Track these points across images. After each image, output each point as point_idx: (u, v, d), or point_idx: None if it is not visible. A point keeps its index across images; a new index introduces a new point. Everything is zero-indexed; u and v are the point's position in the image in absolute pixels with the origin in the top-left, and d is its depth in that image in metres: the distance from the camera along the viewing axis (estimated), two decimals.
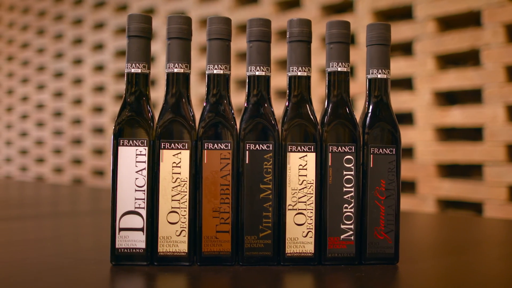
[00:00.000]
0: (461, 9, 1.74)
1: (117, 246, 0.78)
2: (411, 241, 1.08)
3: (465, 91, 1.79)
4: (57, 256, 0.89)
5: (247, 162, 0.78)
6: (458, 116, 1.76)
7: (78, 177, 3.16)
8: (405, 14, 1.92)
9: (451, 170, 1.82)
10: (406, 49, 1.91)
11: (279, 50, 2.00)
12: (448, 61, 1.84)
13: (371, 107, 0.83)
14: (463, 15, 1.76)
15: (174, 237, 0.78)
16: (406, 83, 1.90)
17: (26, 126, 3.58)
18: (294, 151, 0.79)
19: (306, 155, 0.79)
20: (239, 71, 2.23)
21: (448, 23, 1.84)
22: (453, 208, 1.82)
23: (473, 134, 1.76)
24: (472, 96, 1.77)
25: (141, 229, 0.78)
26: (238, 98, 2.07)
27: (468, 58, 1.81)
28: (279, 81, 2.13)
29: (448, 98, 1.86)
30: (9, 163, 3.74)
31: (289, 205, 0.79)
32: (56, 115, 3.36)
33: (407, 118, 1.89)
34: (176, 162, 0.78)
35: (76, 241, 1.10)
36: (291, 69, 0.82)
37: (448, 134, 1.83)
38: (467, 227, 1.43)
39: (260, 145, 0.79)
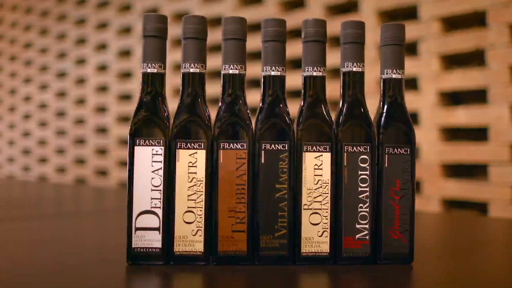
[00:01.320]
0: (466, 9, 1.75)
1: (133, 246, 0.79)
2: (420, 241, 1.08)
3: (470, 92, 1.79)
4: (70, 256, 0.90)
5: (262, 162, 0.79)
6: (463, 116, 1.76)
7: (81, 177, 3.16)
8: (409, 14, 1.93)
9: (456, 170, 1.83)
10: (410, 49, 1.92)
11: None
12: (453, 61, 1.85)
13: (385, 107, 0.84)
14: (467, 15, 1.77)
15: (190, 237, 0.79)
16: (410, 83, 1.91)
17: (29, 126, 3.59)
18: (310, 151, 0.80)
19: (321, 155, 0.80)
20: None
21: (452, 23, 1.84)
22: (458, 208, 1.82)
23: (478, 134, 1.76)
24: (477, 97, 1.78)
25: (157, 229, 0.79)
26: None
27: (473, 59, 1.82)
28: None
29: (453, 99, 1.87)
30: (12, 163, 3.74)
31: (305, 204, 0.80)
32: (59, 115, 3.36)
33: (412, 118, 1.89)
34: (192, 162, 0.79)
35: (86, 241, 1.11)
36: (306, 69, 0.83)
37: (453, 134, 1.84)
38: (474, 227, 1.44)
39: (276, 145, 0.79)
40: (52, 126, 3.39)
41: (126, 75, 2.94)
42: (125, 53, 2.94)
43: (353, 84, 0.83)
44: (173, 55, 2.52)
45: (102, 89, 3.07)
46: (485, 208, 1.73)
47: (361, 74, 0.83)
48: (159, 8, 2.75)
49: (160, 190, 0.78)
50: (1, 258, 0.90)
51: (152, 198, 0.78)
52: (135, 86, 2.84)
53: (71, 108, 3.25)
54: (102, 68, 3.08)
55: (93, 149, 3.08)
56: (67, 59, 3.30)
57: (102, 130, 3.06)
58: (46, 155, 3.43)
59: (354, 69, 0.83)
